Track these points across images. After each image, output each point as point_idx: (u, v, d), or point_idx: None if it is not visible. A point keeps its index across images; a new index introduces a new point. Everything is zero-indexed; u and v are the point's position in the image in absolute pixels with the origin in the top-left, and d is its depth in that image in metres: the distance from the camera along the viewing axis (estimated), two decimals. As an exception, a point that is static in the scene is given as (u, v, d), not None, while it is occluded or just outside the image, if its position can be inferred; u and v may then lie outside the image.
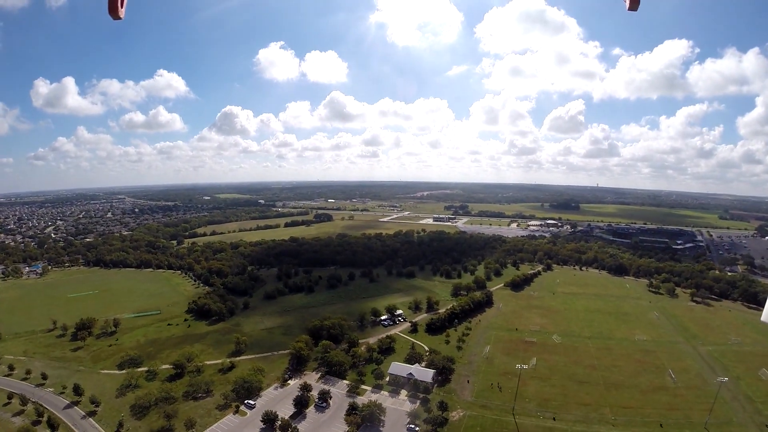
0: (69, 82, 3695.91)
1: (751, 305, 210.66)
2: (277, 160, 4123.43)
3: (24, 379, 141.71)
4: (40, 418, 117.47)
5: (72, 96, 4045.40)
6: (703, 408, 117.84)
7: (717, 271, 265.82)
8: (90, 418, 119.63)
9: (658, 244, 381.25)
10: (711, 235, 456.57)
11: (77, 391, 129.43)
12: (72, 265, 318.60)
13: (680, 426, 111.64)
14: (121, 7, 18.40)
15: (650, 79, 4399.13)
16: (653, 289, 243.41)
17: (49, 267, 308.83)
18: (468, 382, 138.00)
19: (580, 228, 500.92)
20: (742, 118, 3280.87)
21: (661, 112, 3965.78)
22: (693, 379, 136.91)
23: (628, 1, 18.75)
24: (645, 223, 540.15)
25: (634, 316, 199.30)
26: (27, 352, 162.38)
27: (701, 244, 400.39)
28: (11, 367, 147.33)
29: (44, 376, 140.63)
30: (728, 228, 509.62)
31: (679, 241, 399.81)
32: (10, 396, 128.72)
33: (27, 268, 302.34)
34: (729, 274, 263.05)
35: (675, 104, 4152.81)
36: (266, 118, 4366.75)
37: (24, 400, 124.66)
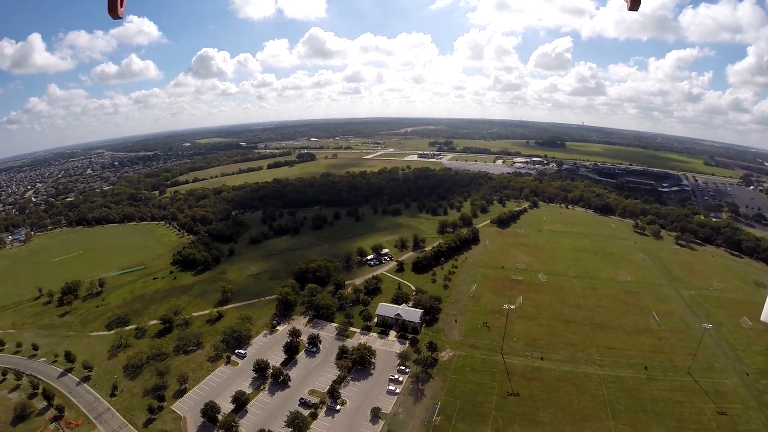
0: (35, 38, 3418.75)
1: (734, 252, 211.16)
2: (257, 101, 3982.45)
3: (16, 353, 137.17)
4: (36, 391, 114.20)
5: (39, 53, 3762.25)
6: (686, 352, 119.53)
7: (702, 216, 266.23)
8: (84, 384, 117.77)
9: (644, 186, 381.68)
10: (696, 180, 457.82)
11: (69, 357, 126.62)
12: (55, 227, 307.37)
13: (664, 369, 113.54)
14: (121, 7, 18.06)
15: (641, 20, 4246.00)
16: (639, 230, 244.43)
17: (32, 232, 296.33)
18: (456, 321, 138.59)
19: (566, 166, 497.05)
20: (732, 66, 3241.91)
21: (650, 54, 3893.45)
22: (676, 323, 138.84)
23: (629, 1, 18.34)
24: (631, 164, 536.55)
25: (620, 257, 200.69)
26: (15, 324, 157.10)
27: (687, 188, 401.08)
28: (1, 342, 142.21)
29: (35, 347, 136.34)
30: (713, 174, 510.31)
31: (665, 184, 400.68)
32: (5, 372, 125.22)
33: (10, 236, 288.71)
34: (714, 219, 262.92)
35: (665, 47, 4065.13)
36: (243, 58, 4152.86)
37: (18, 375, 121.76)
